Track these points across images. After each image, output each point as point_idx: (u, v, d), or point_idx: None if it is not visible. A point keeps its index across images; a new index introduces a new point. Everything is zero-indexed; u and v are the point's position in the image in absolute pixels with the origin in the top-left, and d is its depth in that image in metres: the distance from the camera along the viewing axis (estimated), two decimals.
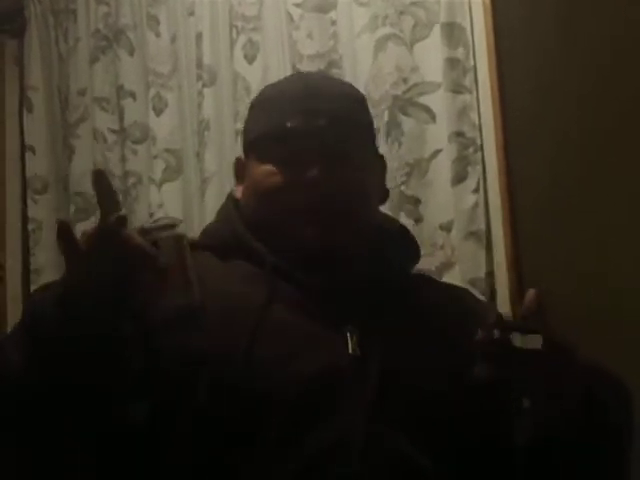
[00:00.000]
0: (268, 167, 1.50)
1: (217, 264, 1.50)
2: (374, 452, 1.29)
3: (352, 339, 1.38)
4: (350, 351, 1.37)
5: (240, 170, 1.60)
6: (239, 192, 1.58)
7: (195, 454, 1.30)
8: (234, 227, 1.53)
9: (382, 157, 1.66)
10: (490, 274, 2.36)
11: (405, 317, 1.44)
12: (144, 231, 1.24)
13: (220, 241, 1.54)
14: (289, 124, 1.49)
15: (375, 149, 1.63)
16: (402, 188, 2.45)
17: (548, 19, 2.29)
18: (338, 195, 1.48)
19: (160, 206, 2.98)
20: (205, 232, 1.61)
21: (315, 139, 1.49)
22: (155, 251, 1.21)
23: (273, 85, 1.66)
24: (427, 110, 2.40)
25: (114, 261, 1.19)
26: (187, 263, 1.26)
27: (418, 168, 2.44)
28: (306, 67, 2.62)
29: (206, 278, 1.39)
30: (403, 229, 1.63)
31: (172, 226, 1.27)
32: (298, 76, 1.89)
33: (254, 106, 1.62)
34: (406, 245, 1.60)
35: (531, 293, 1.29)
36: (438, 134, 2.41)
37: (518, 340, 1.22)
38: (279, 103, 1.56)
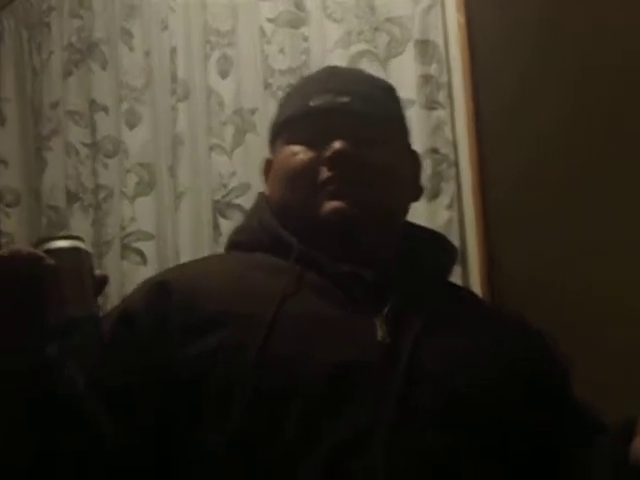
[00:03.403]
0: (292, 147, 1.48)
1: (242, 258, 1.47)
2: (398, 445, 1.24)
3: (382, 327, 1.33)
4: (379, 339, 1.32)
5: (268, 169, 1.57)
6: (267, 189, 1.55)
7: (211, 452, 1.25)
8: (261, 218, 1.50)
9: (415, 153, 1.61)
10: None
11: (438, 313, 1.39)
12: (39, 241, 1.19)
13: (248, 236, 1.51)
14: (312, 103, 1.47)
15: (407, 142, 1.59)
16: None
17: (523, 34, 2.30)
18: (362, 170, 1.44)
19: (132, 220, 2.96)
20: (234, 231, 1.59)
21: (339, 115, 1.46)
22: (39, 253, 1.16)
23: (303, 77, 1.65)
24: None
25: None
26: (84, 273, 1.19)
27: None
28: (278, 82, 2.61)
29: (229, 273, 1.39)
30: (438, 232, 1.60)
31: (72, 237, 1.22)
32: (328, 67, 1.85)
33: (282, 99, 1.63)
34: (443, 245, 1.56)
35: None
36: None
37: None
38: (304, 87, 1.56)
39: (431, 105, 2.42)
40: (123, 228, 2.97)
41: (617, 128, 2.11)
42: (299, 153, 1.47)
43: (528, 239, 2.27)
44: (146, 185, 3.00)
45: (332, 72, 1.62)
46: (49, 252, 1.17)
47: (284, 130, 1.52)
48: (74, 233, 2.84)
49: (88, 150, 3.14)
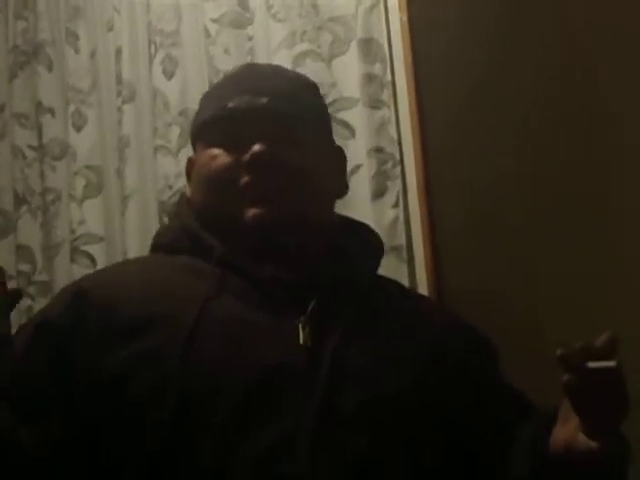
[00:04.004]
0: (212, 150, 1.47)
1: (164, 261, 1.45)
2: (322, 450, 1.23)
3: (304, 330, 1.32)
4: (301, 342, 1.31)
5: (190, 169, 1.55)
6: (189, 190, 1.53)
7: (134, 457, 1.25)
8: (183, 221, 1.48)
9: (340, 149, 1.60)
10: (412, 289, 2.35)
11: (364, 313, 1.39)
12: None
13: (169, 238, 1.50)
14: (230, 104, 1.46)
15: (330, 138, 1.58)
16: None
17: (469, 32, 2.30)
18: (281, 173, 1.42)
19: (81, 223, 2.94)
20: (157, 233, 1.57)
21: (257, 117, 1.45)
22: None
23: (223, 76, 1.63)
24: (346, 126, 2.39)
25: None
26: None
27: None
28: None
29: (149, 276, 1.39)
30: (364, 225, 1.58)
31: None
32: (246, 64, 1.86)
33: (201, 99, 1.60)
34: (368, 241, 1.54)
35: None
36: (357, 149, 2.41)
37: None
38: (222, 88, 1.55)
39: (375, 104, 2.43)
40: (72, 231, 2.95)
41: (572, 135, 2.03)
42: (219, 156, 1.46)
43: (474, 237, 2.28)
44: (94, 187, 2.97)
45: (251, 71, 1.60)
46: None
47: (203, 132, 1.51)
48: (22, 237, 2.81)
49: (35, 153, 3.10)
